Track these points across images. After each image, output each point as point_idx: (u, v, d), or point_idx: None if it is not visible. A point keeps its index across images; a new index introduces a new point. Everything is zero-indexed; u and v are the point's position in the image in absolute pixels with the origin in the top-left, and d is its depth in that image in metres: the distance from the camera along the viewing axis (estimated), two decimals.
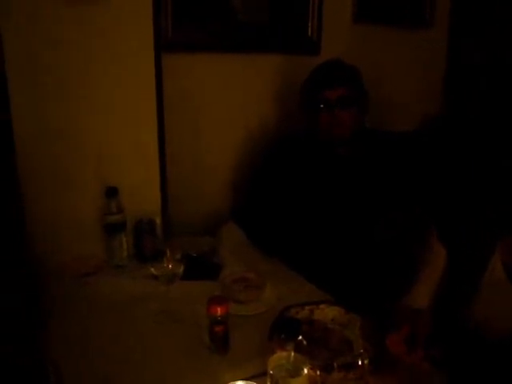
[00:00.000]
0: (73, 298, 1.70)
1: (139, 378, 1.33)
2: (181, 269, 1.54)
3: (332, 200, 1.94)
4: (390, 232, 1.86)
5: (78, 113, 1.83)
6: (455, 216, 1.70)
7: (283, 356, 1.12)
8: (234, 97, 2.33)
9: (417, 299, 1.57)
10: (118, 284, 1.78)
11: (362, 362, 1.19)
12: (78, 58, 1.79)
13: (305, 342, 1.16)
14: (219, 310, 1.35)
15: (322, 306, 1.50)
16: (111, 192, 1.86)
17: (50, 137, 1.81)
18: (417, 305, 1.54)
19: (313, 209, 1.94)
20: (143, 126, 1.96)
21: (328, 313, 1.48)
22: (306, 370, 1.10)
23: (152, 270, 1.55)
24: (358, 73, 1.99)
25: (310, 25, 2.40)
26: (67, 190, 1.88)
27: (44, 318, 1.56)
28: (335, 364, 1.19)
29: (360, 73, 2.00)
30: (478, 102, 2.64)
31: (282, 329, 1.27)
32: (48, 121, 1.80)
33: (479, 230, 1.59)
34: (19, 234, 1.66)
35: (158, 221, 1.95)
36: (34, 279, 1.64)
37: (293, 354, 1.11)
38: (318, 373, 1.18)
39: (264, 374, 1.16)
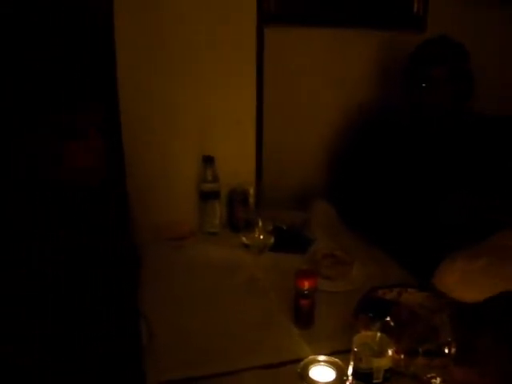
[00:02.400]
0: (166, 260, 1.78)
1: (222, 340, 1.38)
2: (271, 240, 1.57)
3: (416, 180, 1.89)
4: (458, 216, 1.78)
5: (180, 85, 1.89)
6: None
7: (369, 335, 1.12)
8: (334, 73, 2.30)
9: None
10: (210, 250, 1.84)
11: (449, 351, 1.16)
12: (183, 32, 1.84)
13: (392, 324, 1.15)
14: (306, 284, 1.36)
15: (410, 290, 1.48)
16: (208, 160, 1.91)
17: (154, 108, 1.88)
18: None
19: (401, 189, 1.90)
20: (242, 99, 1.99)
21: (416, 297, 1.46)
22: (390, 352, 1.09)
23: (243, 239, 1.58)
24: (463, 51, 1.89)
25: (415, 0, 2.31)
26: (167, 158, 1.95)
27: (139, 277, 1.64)
28: (420, 349, 1.18)
29: (466, 51, 1.89)
30: None
31: (370, 308, 1.26)
32: (153, 92, 1.86)
33: None
34: (121, 197, 1.74)
35: (252, 191, 1.98)
36: (133, 241, 1.72)
37: (379, 334, 1.11)
38: (402, 356, 1.17)
39: (346, 351, 1.16)
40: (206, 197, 1.94)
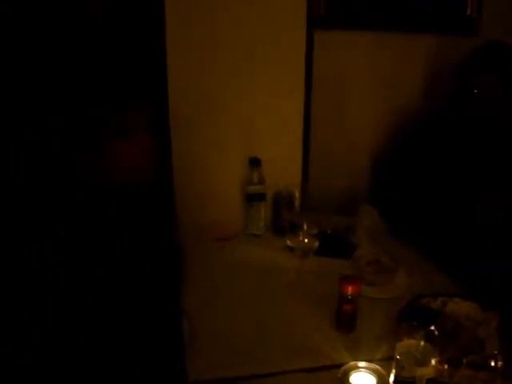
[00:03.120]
0: (209, 260, 1.80)
1: (263, 341, 1.39)
2: (316, 244, 1.57)
3: (456, 181, 1.85)
4: (494, 216, 1.72)
5: (228, 86, 1.91)
6: None
7: (412, 343, 1.11)
8: (382, 76, 2.27)
9: None
10: (253, 252, 1.85)
11: (495, 364, 1.13)
12: (232, 33, 1.85)
13: (436, 333, 1.13)
14: (350, 289, 1.35)
15: (456, 300, 1.45)
16: (254, 162, 1.92)
17: (201, 109, 1.91)
18: None
19: (441, 191, 1.87)
20: (290, 101, 1.99)
21: (462, 307, 1.43)
22: (433, 362, 1.07)
23: (288, 242, 1.59)
24: None
25: (469, 2, 2.24)
26: (213, 159, 1.97)
27: (183, 275, 1.66)
28: (464, 361, 1.15)
29: None
30: None
31: (414, 316, 1.24)
32: (201, 93, 1.89)
33: None
34: (168, 198, 1.77)
35: (297, 194, 1.98)
36: (177, 240, 1.74)
37: (422, 342, 1.09)
38: (446, 367, 1.15)
39: (387, 359, 1.15)
40: (252, 199, 1.96)
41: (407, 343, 1.12)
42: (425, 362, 1.07)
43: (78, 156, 1.14)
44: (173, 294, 1.42)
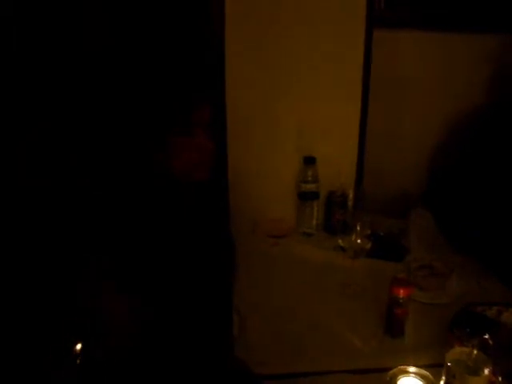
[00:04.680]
0: (261, 256, 1.82)
1: (311, 339, 1.39)
2: (368, 245, 1.55)
3: None
4: None
5: (284, 84, 1.91)
6: None
7: (464, 351, 1.08)
8: (442, 79, 2.22)
9: None
10: (305, 250, 1.86)
11: None
12: (289, 30, 1.85)
13: (491, 342, 1.10)
14: (402, 292, 1.34)
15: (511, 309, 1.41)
16: (309, 161, 1.93)
17: (257, 107, 1.92)
18: None
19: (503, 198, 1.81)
20: (347, 100, 1.97)
21: None
22: (486, 372, 1.05)
23: (340, 241, 1.58)
24: None
25: None
26: (269, 157, 1.98)
27: (235, 271, 1.68)
28: None
29: None
30: None
31: (468, 323, 1.21)
32: (257, 92, 1.90)
33: None
34: (223, 193, 1.80)
35: (351, 194, 1.96)
36: (230, 236, 1.77)
37: (475, 351, 1.06)
38: (500, 379, 1.11)
39: (436, 365, 1.13)
40: (305, 197, 1.96)
41: (459, 350, 1.09)
42: (477, 372, 1.04)
43: (138, 153, 1.17)
44: (225, 289, 1.44)
